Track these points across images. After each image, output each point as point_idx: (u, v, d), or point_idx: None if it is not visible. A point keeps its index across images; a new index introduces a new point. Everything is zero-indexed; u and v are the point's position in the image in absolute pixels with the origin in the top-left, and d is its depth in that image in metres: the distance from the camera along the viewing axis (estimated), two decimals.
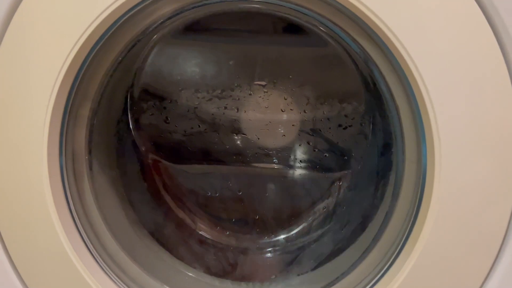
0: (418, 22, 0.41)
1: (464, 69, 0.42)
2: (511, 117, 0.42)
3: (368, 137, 0.68)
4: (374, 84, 0.58)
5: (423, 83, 0.42)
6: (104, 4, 0.44)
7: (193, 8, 0.50)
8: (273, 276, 0.64)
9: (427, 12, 0.41)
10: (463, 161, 0.43)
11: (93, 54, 0.47)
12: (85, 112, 0.52)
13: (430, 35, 0.41)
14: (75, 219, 0.50)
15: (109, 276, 0.51)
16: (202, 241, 0.69)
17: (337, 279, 0.54)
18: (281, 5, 0.51)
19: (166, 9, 0.49)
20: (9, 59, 0.46)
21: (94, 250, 0.52)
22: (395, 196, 0.52)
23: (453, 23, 0.42)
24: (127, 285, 0.52)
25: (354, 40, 0.48)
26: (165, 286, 0.56)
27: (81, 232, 0.51)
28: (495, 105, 0.42)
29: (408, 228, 0.46)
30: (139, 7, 0.46)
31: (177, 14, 0.50)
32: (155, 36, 0.61)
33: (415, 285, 0.44)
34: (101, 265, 0.51)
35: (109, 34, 0.47)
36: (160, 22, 0.52)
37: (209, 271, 0.63)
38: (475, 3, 0.42)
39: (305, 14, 0.51)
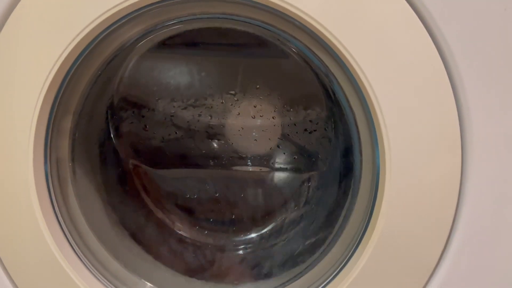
0: (369, 40, 0.44)
1: (408, 81, 0.44)
2: (450, 120, 0.45)
3: (332, 140, 0.71)
4: (334, 93, 0.59)
5: (374, 93, 0.44)
6: (83, 23, 0.45)
7: (164, 26, 0.52)
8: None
9: (378, 32, 0.44)
10: (410, 161, 0.45)
11: (73, 69, 0.49)
12: (67, 124, 0.54)
13: (380, 52, 0.44)
14: (60, 221, 0.52)
15: (92, 273, 0.53)
16: (181, 240, 0.70)
17: (304, 271, 0.56)
18: (249, 23, 0.52)
19: (140, 27, 0.51)
20: None
21: (78, 250, 0.53)
22: (355, 193, 0.53)
23: (400, 42, 0.44)
24: (109, 281, 0.54)
25: (314, 54, 0.50)
26: (145, 282, 0.57)
27: (66, 233, 0.52)
28: (435, 110, 0.45)
29: (366, 221, 0.49)
30: (115, 26, 0.47)
31: (151, 31, 0.52)
32: (132, 51, 0.62)
33: (373, 272, 0.47)
34: (85, 263, 0.53)
35: (88, 50, 0.48)
36: (135, 38, 0.53)
37: (188, 268, 0.64)
38: (420, 24, 0.44)
39: (270, 30, 0.53)
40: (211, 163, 0.73)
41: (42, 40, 0.46)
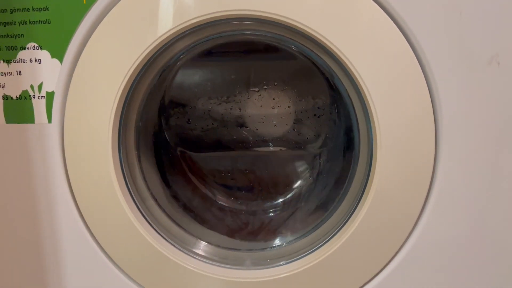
0: (360, 44, 0.48)
1: (390, 73, 0.48)
2: (424, 99, 0.48)
3: (336, 122, 0.75)
4: (335, 85, 0.63)
5: (364, 84, 0.49)
6: (144, 45, 0.51)
7: (204, 41, 0.56)
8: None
9: (366, 38, 0.48)
10: (395, 134, 0.50)
11: (138, 79, 0.55)
12: (132, 121, 0.60)
13: (368, 53, 0.48)
14: (133, 195, 0.58)
15: (160, 235, 0.58)
16: (221, 208, 0.75)
17: (319, 223, 0.62)
18: (265, 35, 0.56)
19: (186, 43, 0.55)
20: (81, 87, 0.53)
21: (148, 217, 0.59)
22: (355, 162, 0.58)
23: (381, 44, 0.48)
24: (174, 242, 0.59)
25: (318, 57, 0.54)
26: (200, 240, 0.63)
27: (138, 204, 0.58)
28: (411, 93, 0.49)
29: (364, 182, 0.54)
30: (167, 45, 0.53)
31: (194, 46, 0.56)
32: (178, 62, 0.66)
33: (370, 221, 0.52)
34: (154, 227, 0.58)
35: (148, 64, 0.54)
36: (181, 53, 0.58)
37: (228, 229, 0.69)
38: (398, 30, 0.48)
39: (283, 40, 0.57)
40: (241, 146, 0.77)
41: (116, 58, 0.51)
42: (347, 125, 0.66)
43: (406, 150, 0.50)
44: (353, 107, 0.56)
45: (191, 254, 0.59)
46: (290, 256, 0.59)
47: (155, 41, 0.51)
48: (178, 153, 0.78)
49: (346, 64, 0.49)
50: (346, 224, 0.56)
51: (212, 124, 0.77)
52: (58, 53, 0.53)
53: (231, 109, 0.77)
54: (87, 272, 0.58)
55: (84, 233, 0.57)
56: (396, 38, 0.48)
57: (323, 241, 0.57)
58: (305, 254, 0.58)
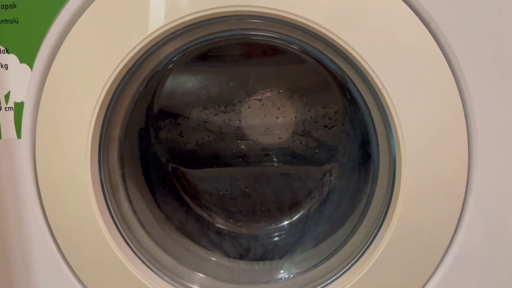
0: (378, 43, 0.46)
1: (415, 77, 0.46)
2: (455, 111, 0.47)
3: (349, 134, 0.72)
4: (350, 92, 0.62)
5: (386, 91, 0.47)
6: (128, 47, 0.48)
7: (199, 42, 0.54)
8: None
9: (385, 36, 0.46)
10: (422, 150, 0.47)
11: (120, 87, 0.52)
12: (116, 135, 0.57)
13: (388, 54, 0.46)
14: (115, 219, 0.55)
15: (149, 268, 0.56)
16: (218, 232, 0.73)
17: (333, 252, 0.59)
18: (269, 36, 0.55)
19: (178, 45, 0.53)
20: (55, 97, 0.50)
21: (133, 246, 0.56)
22: (374, 180, 0.56)
23: (405, 43, 0.46)
24: (165, 275, 0.56)
25: (331, 60, 0.52)
26: (197, 273, 0.60)
27: (121, 231, 0.55)
28: (441, 102, 0.47)
29: (386, 205, 0.52)
30: (156, 47, 0.50)
31: (187, 48, 0.54)
32: (167, 68, 0.64)
33: (394, 250, 0.50)
34: (141, 258, 0.56)
35: (132, 71, 0.51)
36: (171, 57, 0.55)
37: (227, 255, 0.66)
38: (423, 26, 0.46)
39: (289, 40, 0.55)
40: (241, 161, 0.76)
41: (95, 62, 0.49)
42: (363, 138, 0.65)
43: (435, 166, 0.48)
44: (371, 117, 0.53)
45: None
46: None
47: (141, 41, 0.48)
48: (170, 170, 0.76)
49: (363, 67, 0.47)
50: (365, 255, 0.53)
51: (208, 137, 0.76)
52: (27, 58, 0.51)
53: (229, 120, 0.75)
54: None
55: (60, 264, 0.55)
56: (422, 36, 0.46)
57: (336, 273, 0.55)
58: None
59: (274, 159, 0.77)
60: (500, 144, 0.49)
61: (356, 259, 0.54)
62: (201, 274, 0.60)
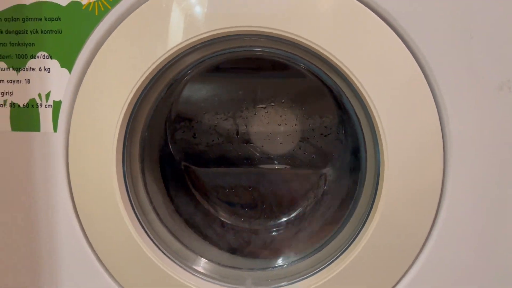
0: (368, 65, 0.49)
1: (399, 94, 0.49)
2: (432, 122, 0.49)
3: (343, 141, 0.75)
4: (343, 104, 0.64)
5: (373, 104, 0.49)
6: (153, 58, 0.51)
7: (213, 56, 0.57)
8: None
9: (375, 58, 0.49)
10: (403, 156, 0.50)
11: (145, 92, 0.55)
12: (138, 134, 0.60)
13: (376, 74, 0.49)
14: (135, 208, 0.58)
15: (162, 251, 0.58)
16: (223, 225, 0.75)
17: (323, 245, 0.61)
18: (274, 53, 0.57)
19: (195, 58, 0.56)
20: (88, 97, 0.53)
21: (149, 232, 0.59)
22: (362, 183, 0.58)
23: (391, 66, 0.48)
24: (174, 258, 0.59)
25: (327, 76, 0.55)
26: (200, 258, 0.63)
27: (140, 218, 0.58)
28: (420, 115, 0.49)
29: (370, 204, 0.54)
30: (176, 59, 0.53)
31: (202, 60, 0.57)
32: (187, 77, 0.66)
33: (376, 243, 0.52)
34: (154, 240, 0.58)
35: (156, 77, 0.54)
36: (188, 69, 0.58)
37: (229, 247, 0.69)
38: (409, 53, 0.48)
39: (292, 57, 0.57)
40: (245, 162, 0.77)
41: (125, 69, 0.52)
42: (354, 145, 0.67)
43: (414, 172, 0.50)
44: (361, 127, 0.56)
45: (191, 271, 0.59)
46: (292, 277, 0.59)
47: (164, 54, 0.51)
48: (182, 167, 0.78)
49: (355, 84, 0.49)
50: (351, 246, 0.55)
51: (218, 139, 0.78)
52: (67, 63, 0.54)
53: (237, 124, 0.78)
54: (83, 284, 0.58)
55: (83, 244, 0.57)
56: (406, 59, 0.49)
57: (326, 262, 0.57)
58: (308, 275, 0.57)
59: (275, 162, 0.78)
60: (471, 156, 0.51)
61: (343, 250, 0.56)
62: (205, 259, 0.62)
